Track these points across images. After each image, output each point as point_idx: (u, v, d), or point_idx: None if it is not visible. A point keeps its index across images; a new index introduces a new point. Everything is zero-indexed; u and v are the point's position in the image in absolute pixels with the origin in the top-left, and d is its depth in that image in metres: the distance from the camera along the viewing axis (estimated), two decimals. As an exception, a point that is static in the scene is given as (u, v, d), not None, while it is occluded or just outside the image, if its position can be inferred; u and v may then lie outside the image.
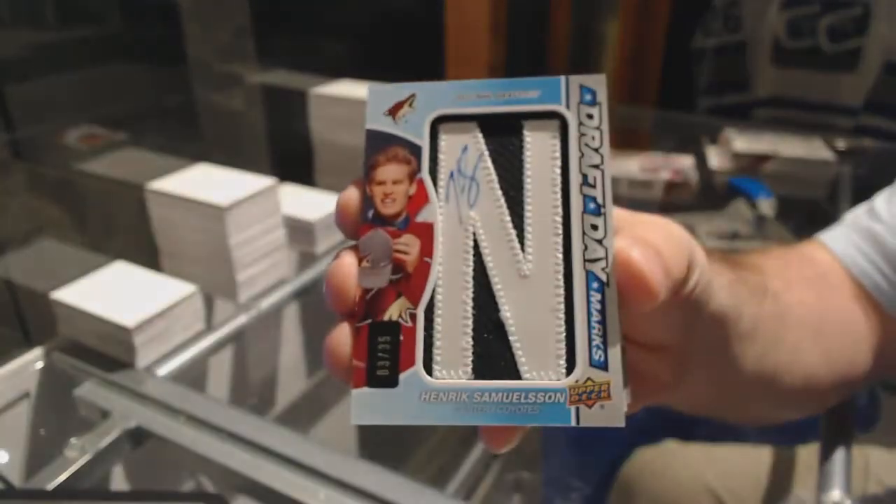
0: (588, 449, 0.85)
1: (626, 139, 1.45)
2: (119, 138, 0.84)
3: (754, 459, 0.64)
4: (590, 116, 0.23)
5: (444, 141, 0.23)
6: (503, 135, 0.23)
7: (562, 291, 0.22)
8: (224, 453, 0.49)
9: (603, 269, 0.21)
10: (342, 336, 0.21)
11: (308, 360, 0.87)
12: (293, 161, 1.00)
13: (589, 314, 0.21)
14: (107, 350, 0.57)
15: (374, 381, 0.21)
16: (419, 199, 0.23)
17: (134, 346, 0.55)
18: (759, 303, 0.32)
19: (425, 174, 0.23)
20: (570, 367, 0.21)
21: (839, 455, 0.47)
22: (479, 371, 0.21)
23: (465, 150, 0.23)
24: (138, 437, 0.52)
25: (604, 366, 0.21)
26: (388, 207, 0.23)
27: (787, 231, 0.89)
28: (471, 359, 0.22)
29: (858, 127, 1.34)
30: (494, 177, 0.23)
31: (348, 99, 0.82)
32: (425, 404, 0.21)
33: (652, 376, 0.26)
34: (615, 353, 0.21)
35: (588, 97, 0.23)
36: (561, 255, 0.22)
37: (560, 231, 0.22)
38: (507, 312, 0.22)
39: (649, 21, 1.47)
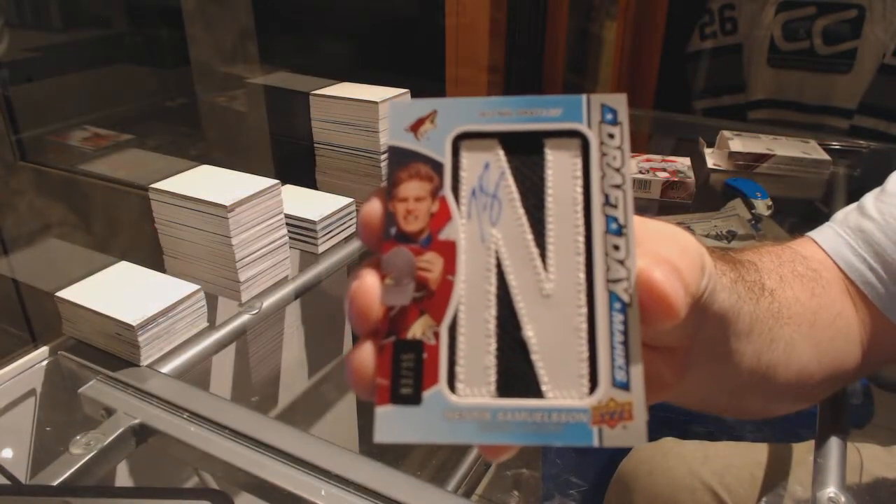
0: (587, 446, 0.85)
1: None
2: (123, 140, 0.84)
3: (750, 456, 0.64)
4: (611, 136, 0.23)
5: (466, 158, 0.23)
6: (525, 153, 0.23)
7: (584, 311, 0.22)
8: (227, 450, 0.49)
9: (625, 290, 0.21)
10: (365, 354, 0.21)
11: (309, 358, 0.87)
12: (294, 162, 1.01)
13: (611, 334, 0.21)
14: (111, 348, 0.58)
15: (397, 398, 0.21)
16: (441, 217, 0.22)
17: (138, 343, 0.56)
18: (756, 300, 0.33)
19: (447, 191, 0.23)
20: (593, 386, 0.21)
21: (834, 451, 0.48)
22: (503, 390, 0.21)
23: (487, 167, 0.23)
24: (142, 433, 0.52)
25: (626, 386, 0.21)
26: (411, 224, 0.22)
27: (783, 231, 0.89)
28: (494, 377, 0.21)
29: (853, 128, 1.35)
30: (516, 195, 0.23)
31: (349, 100, 0.82)
32: (449, 422, 0.21)
33: (656, 377, 0.27)
34: (637, 374, 0.21)
35: (609, 116, 0.23)
36: (583, 275, 0.22)
37: (582, 251, 0.22)
38: (529, 331, 0.22)
39: (646, 23, 1.48)
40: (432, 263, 0.22)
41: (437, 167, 0.23)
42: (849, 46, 1.34)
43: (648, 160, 1.03)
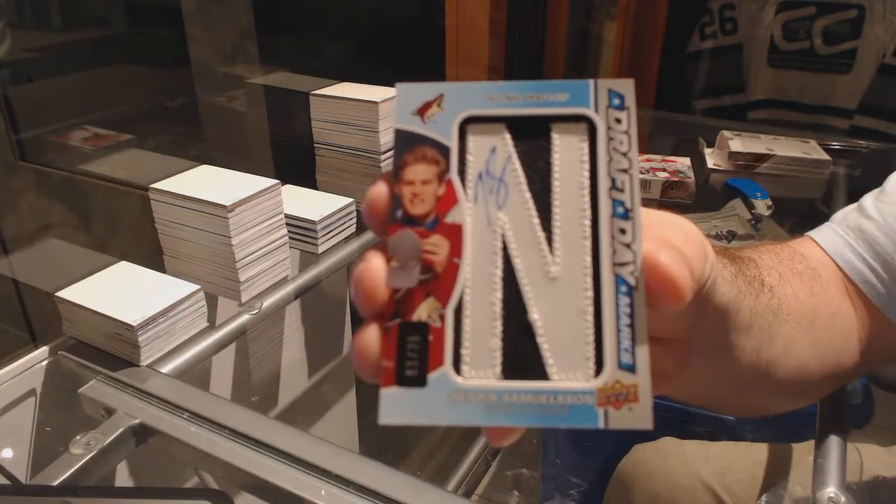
0: (587, 446, 0.86)
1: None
2: (123, 140, 0.84)
3: (750, 456, 0.64)
4: (618, 121, 0.23)
5: (473, 142, 0.23)
6: (531, 137, 0.23)
7: (590, 294, 0.22)
8: (227, 450, 0.49)
9: (631, 273, 0.21)
10: (371, 336, 0.21)
11: (309, 358, 0.88)
12: (294, 162, 1.01)
13: (617, 317, 0.21)
14: (111, 348, 0.58)
15: (403, 380, 0.21)
16: (448, 200, 0.22)
17: (138, 343, 0.56)
18: (756, 296, 0.33)
19: (454, 175, 0.23)
20: (599, 369, 0.21)
21: (834, 451, 0.48)
22: (508, 372, 0.21)
23: (494, 151, 0.23)
24: (142, 434, 0.52)
25: (632, 368, 0.21)
26: (417, 207, 0.22)
27: (783, 231, 0.89)
28: (500, 360, 0.22)
29: (853, 128, 1.35)
30: (523, 179, 0.23)
31: (349, 100, 0.83)
32: (455, 404, 0.21)
33: (656, 367, 0.27)
34: (643, 356, 0.21)
35: (616, 101, 0.23)
36: (589, 258, 0.22)
37: (588, 234, 0.22)
38: (535, 314, 0.22)
39: (646, 23, 1.48)
40: (438, 246, 0.22)
41: (444, 151, 0.23)
42: (849, 46, 1.33)
43: (648, 160, 1.03)
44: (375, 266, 0.22)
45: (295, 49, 1.19)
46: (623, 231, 0.22)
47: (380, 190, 0.23)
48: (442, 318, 0.22)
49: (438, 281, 0.22)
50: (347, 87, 0.86)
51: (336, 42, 1.29)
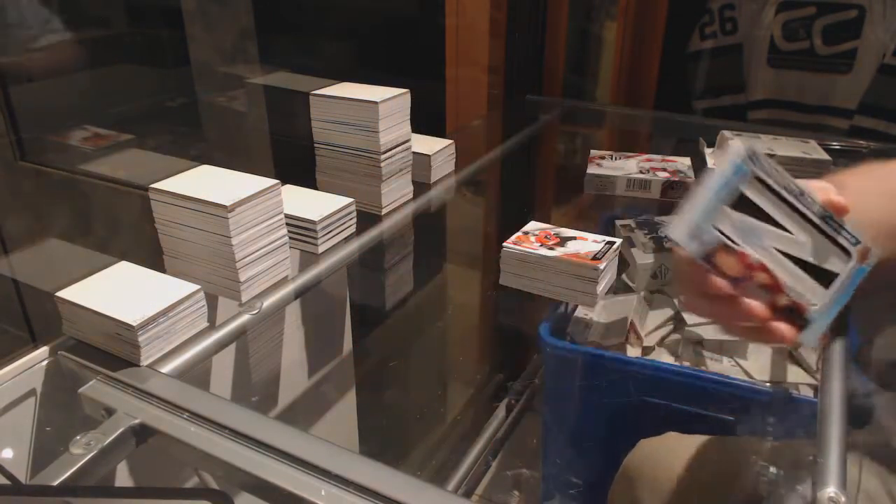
0: (587, 445, 0.86)
1: (624, 141, 1.46)
2: (123, 140, 0.84)
3: (751, 454, 0.65)
4: (766, 164, 0.46)
5: (724, 228, 0.46)
6: (740, 203, 0.46)
7: (819, 233, 0.47)
8: (227, 450, 0.49)
9: (823, 210, 0.47)
10: (783, 328, 0.47)
11: (309, 358, 0.88)
12: (294, 162, 1.01)
13: (833, 228, 0.47)
14: (111, 348, 0.58)
15: (803, 328, 0.48)
16: (744, 258, 0.46)
17: (138, 343, 0.56)
18: None
19: (736, 247, 0.46)
20: (847, 254, 0.48)
21: (835, 451, 0.48)
22: (825, 287, 0.48)
23: (736, 224, 0.46)
24: (142, 434, 0.52)
25: (858, 242, 0.48)
26: (738, 272, 0.46)
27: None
28: (817, 286, 0.48)
29: (853, 128, 1.35)
30: (759, 223, 0.46)
31: (349, 100, 0.82)
32: (822, 315, 0.48)
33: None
34: (858, 233, 0.47)
35: (755, 157, 0.45)
36: (812, 227, 0.47)
37: (799, 217, 0.47)
38: (808, 258, 0.47)
39: (646, 23, 1.48)
40: (763, 277, 0.47)
41: (724, 242, 0.46)
42: (849, 46, 1.33)
43: (648, 160, 1.03)
44: (759, 307, 0.46)
45: (295, 49, 1.19)
46: (811, 200, 0.47)
47: (718, 282, 0.45)
48: (788, 297, 0.47)
49: (777, 289, 0.47)
50: (347, 87, 0.86)
51: (336, 42, 1.29)
